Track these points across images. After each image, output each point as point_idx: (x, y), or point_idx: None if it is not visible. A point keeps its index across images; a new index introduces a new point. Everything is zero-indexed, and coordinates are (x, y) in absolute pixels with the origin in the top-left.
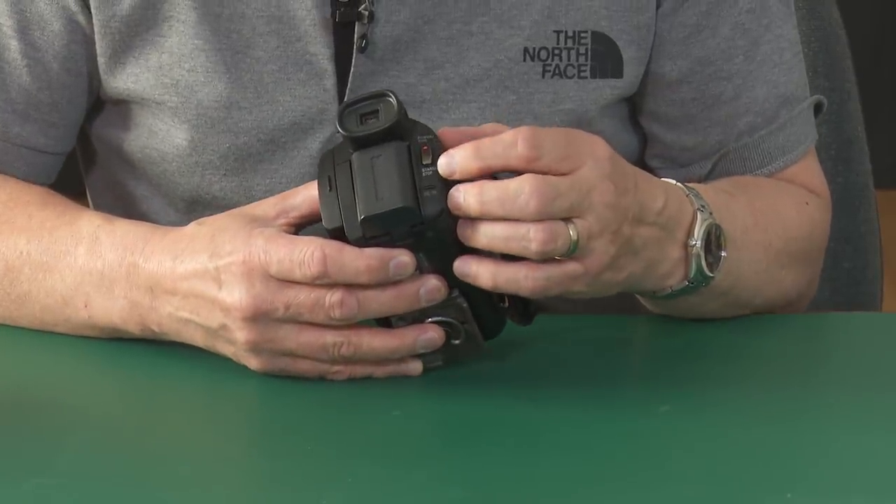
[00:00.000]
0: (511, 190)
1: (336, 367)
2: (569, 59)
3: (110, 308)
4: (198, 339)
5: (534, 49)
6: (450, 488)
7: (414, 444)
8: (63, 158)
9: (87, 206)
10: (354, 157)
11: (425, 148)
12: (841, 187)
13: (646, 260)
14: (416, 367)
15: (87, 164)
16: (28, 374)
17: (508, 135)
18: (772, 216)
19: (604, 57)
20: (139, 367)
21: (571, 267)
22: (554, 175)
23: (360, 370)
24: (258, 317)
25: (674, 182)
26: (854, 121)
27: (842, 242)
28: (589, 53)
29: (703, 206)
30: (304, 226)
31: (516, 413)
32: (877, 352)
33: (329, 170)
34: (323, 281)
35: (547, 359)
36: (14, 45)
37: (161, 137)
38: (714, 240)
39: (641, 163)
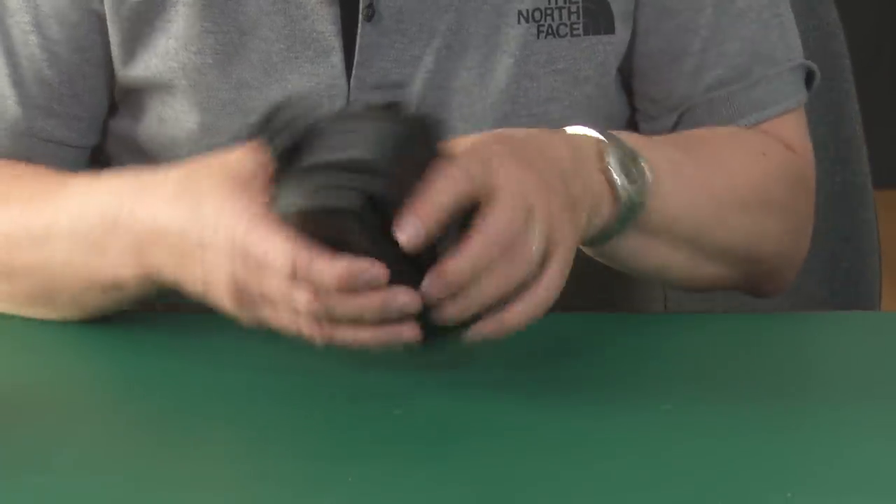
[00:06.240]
0: (478, 264)
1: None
2: (561, 19)
3: (105, 263)
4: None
5: (528, 11)
6: (450, 488)
7: (414, 443)
8: (88, 152)
9: None
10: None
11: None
12: (839, 187)
13: (587, 205)
14: (410, 332)
15: (95, 165)
16: (28, 374)
17: (439, 174)
18: (706, 156)
19: (595, 14)
20: (139, 366)
21: (559, 253)
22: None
23: (343, 333)
24: (235, 294)
25: (574, 128)
26: (852, 120)
27: (841, 242)
28: (581, 11)
29: (610, 137)
30: None
31: (517, 412)
32: (876, 351)
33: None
34: (293, 283)
35: (547, 358)
36: (33, 39)
37: (171, 125)
38: (630, 161)
39: (633, 126)
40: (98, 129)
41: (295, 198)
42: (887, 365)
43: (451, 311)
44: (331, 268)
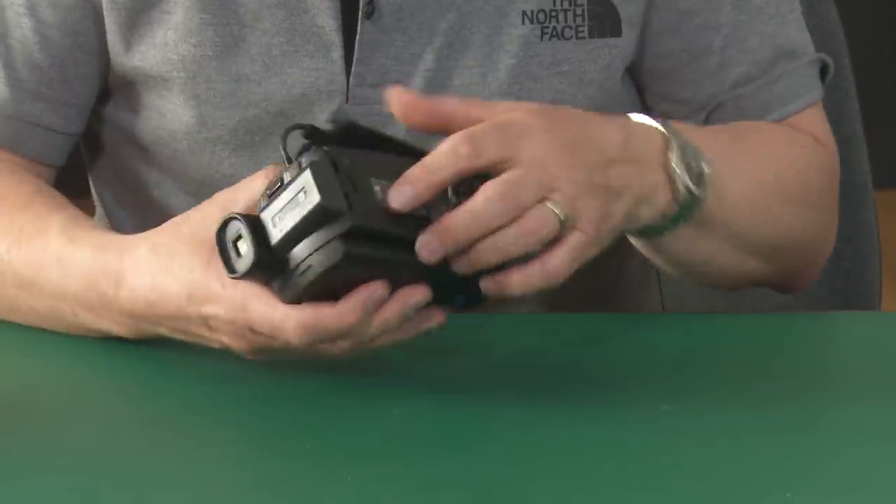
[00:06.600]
0: (479, 209)
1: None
2: (566, 21)
3: (99, 322)
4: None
5: (532, 12)
6: (450, 488)
7: (414, 444)
8: (74, 140)
9: (91, 201)
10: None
11: None
12: (839, 187)
13: (632, 196)
14: (436, 317)
15: (92, 155)
16: (28, 374)
17: (445, 145)
18: (756, 149)
19: (601, 17)
20: (139, 367)
21: (574, 238)
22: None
23: (375, 344)
24: (255, 353)
25: (638, 116)
26: (852, 120)
27: (841, 242)
28: (586, 14)
29: (674, 131)
30: None
31: (516, 412)
32: (876, 351)
33: None
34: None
35: (547, 358)
36: (26, 22)
37: (169, 118)
38: (692, 158)
39: None
40: (85, 117)
41: (287, 283)
42: (887, 365)
43: (456, 266)
44: (339, 315)
